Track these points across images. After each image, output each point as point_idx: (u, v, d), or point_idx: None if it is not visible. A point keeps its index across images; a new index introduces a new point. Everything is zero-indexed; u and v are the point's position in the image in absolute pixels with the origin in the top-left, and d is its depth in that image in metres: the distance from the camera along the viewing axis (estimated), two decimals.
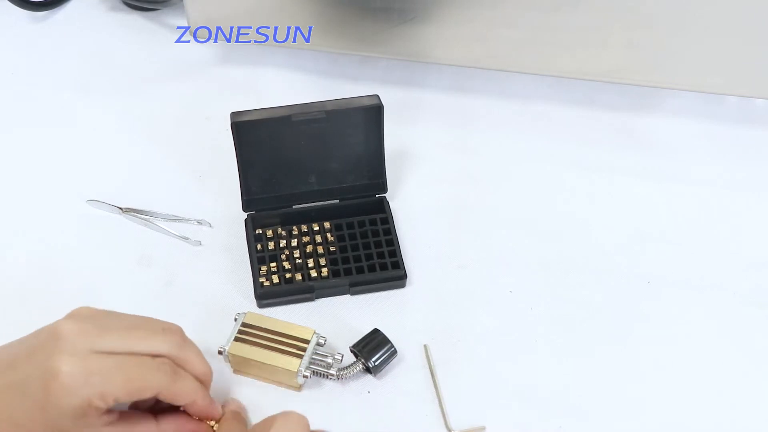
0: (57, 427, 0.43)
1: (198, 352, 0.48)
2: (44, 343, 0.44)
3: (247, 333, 0.52)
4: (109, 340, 0.44)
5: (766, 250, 0.62)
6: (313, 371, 0.52)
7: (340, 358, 0.52)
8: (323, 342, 0.53)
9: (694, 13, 0.60)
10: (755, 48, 0.62)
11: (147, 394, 0.45)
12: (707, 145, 0.69)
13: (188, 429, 0.49)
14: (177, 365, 0.46)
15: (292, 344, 0.51)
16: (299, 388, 0.52)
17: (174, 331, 0.47)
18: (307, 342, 0.52)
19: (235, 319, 0.53)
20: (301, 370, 0.51)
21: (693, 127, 0.71)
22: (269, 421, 0.46)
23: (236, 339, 0.52)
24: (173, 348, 0.46)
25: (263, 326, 0.52)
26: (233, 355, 0.51)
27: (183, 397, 0.46)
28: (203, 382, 0.48)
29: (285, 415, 0.46)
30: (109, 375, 0.43)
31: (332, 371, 0.51)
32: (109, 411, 0.44)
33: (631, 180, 0.66)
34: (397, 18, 0.65)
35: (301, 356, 0.51)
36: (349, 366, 0.52)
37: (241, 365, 0.52)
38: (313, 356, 0.51)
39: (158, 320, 0.47)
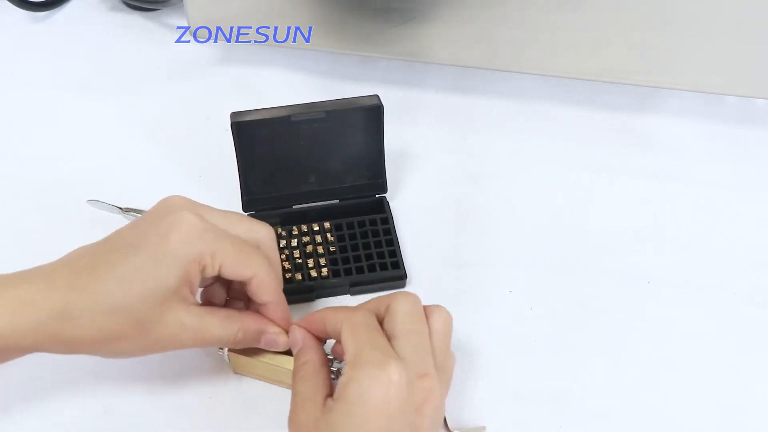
0: (161, 283, 0.45)
1: (279, 257, 0.51)
2: (154, 210, 0.47)
3: None
4: (216, 215, 0.48)
5: (766, 250, 0.62)
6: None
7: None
8: (324, 341, 0.53)
9: (694, 13, 0.60)
10: (755, 48, 0.62)
11: (247, 271, 0.47)
12: (707, 145, 0.69)
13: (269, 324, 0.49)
14: None
15: None
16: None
17: (267, 225, 0.51)
18: (324, 340, 0.51)
19: None
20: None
21: (693, 127, 0.71)
22: (384, 300, 0.47)
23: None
24: (268, 237, 0.50)
25: None
26: (233, 355, 0.51)
27: (271, 289, 0.48)
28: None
29: (400, 293, 0.47)
30: (222, 239, 0.46)
31: (332, 369, 0.51)
32: (196, 288, 0.46)
33: (631, 180, 0.66)
34: (397, 18, 0.65)
35: None
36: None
37: (241, 365, 0.52)
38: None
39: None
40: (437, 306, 0.47)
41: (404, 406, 0.42)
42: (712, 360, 0.55)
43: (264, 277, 0.48)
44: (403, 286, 0.58)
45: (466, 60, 0.67)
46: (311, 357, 0.47)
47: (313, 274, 0.58)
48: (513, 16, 0.63)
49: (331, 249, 0.59)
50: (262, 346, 0.49)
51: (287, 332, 0.50)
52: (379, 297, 0.48)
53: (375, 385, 0.42)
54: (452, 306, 0.57)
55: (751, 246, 0.62)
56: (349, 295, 0.58)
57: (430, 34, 0.66)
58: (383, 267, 0.58)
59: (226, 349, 0.51)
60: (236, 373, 0.53)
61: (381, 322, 0.47)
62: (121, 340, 0.45)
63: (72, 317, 0.44)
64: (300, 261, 0.58)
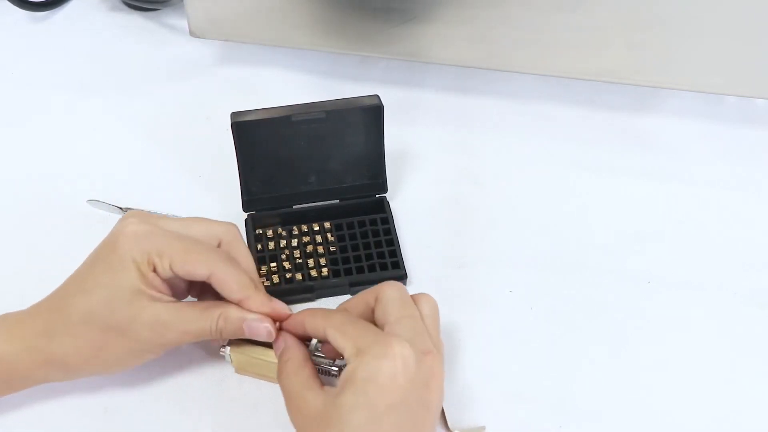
0: (121, 285, 0.46)
1: (249, 252, 0.51)
2: (117, 224, 0.49)
3: None
4: (171, 222, 0.49)
5: (766, 250, 0.62)
6: (316, 368, 0.51)
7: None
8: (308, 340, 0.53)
9: (694, 13, 0.60)
10: (755, 48, 0.62)
11: (200, 269, 0.47)
12: (707, 145, 0.69)
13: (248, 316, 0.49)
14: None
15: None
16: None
17: (229, 223, 0.51)
18: (309, 339, 0.52)
19: None
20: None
21: (693, 127, 0.71)
22: (372, 292, 0.48)
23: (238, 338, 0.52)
24: (229, 232, 0.50)
25: None
26: (235, 355, 0.51)
27: (232, 285, 0.48)
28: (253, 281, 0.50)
29: (385, 283, 0.48)
30: (169, 240, 0.47)
31: (334, 368, 0.51)
32: (163, 287, 0.47)
33: (631, 180, 0.66)
34: (397, 18, 0.65)
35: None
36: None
37: (243, 365, 0.52)
38: (316, 353, 0.51)
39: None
40: (423, 293, 0.48)
41: (414, 380, 0.43)
42: (712, 360, 0.55)
43: (222, 274, 0.48)
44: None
45: (466, 60, 0.67)
46: (293, 353, 0.48)
47: (313, 274, 0.58)
48: (513, 16, 0.63)
49: (331, 249, 0.59)
50: (246, 334, 0.49)
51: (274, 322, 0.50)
52: (364, 291, 0.49)
53: (382, 361, 0.42)
54: (452, 306, 0.57)
55: (751, 246, 0.62)
56: (349, 295, 0.58)
57: (430, 34, 0.66)
58: (383, 267, 0.58)
59: (228, 348, 0.51)
60: (238, 373, 0.53)
61: (371, 313, 0.47)
62: (106, 349, 0.47)
63: (54, 335, 0.47)
64: (300, 261, 0.58)
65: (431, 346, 0.45)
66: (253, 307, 0.49)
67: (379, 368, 0.42)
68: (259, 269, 0.57)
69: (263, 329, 0.49)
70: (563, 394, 0.53)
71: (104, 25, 0.79)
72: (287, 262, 0.58)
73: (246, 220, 0.60)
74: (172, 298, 0.48)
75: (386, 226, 0.60)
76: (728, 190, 0.66)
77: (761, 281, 0.60)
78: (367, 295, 0.48)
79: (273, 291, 0.56)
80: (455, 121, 0.71)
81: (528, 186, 0.66)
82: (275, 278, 0.57)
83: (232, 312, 0.48)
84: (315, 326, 0.47)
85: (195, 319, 0.48)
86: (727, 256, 0.61)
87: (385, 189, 0.62)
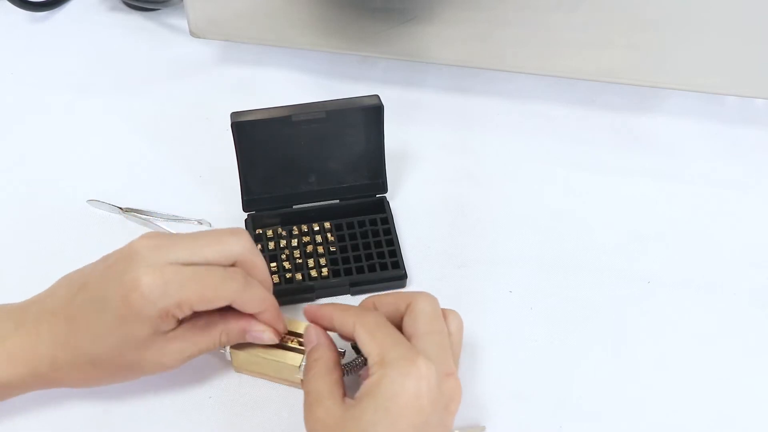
0: (133, 335, 0.45)
1: (263, 258, 0.50)
2: (119, 260, 0.46)
3: None
4: (183, 250, 0.46)
5: (766, 250, 0.62)
6: (345, 370, 0.51)
7: (343, 353, 0.52)
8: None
9: (694, 13, 0.60)
10: (755, 48, 0.62)
11: (221, 302, 0.47)
12: (707, 145, 0.69)
13: (255, 329, 0.49)
14: (247, 271, 0.48)
15: (293, 339, 0.51)
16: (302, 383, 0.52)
17: (242, 232, 0.49)
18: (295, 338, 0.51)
19: None
20: (304, 365, 0.50)
21: (693, 127, 0.71)
22: (405, 298, 0.47)
23: None
24: (245, 249, 0.48)
25: None
26: (235, 353, 0.51)
27: (254, 304, 0.48)
28: (268, 290, 0.50)
29: (421, 293, 0.48)
30: (186, 284, 0.45)
31: (344, 365, 0.51)
32: (174, 324, 0.47)
33: (631, 180, 0.66)
34: (397, 18, 0.65)
35: (303, 351, 0.51)
36: (350, 362, 0.52)
37: (243, 363, 0.52)
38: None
39: (223, 228, 0.49)
40: (452, 310, 0.48)
41: (435, 402, 0.42)
42: (712, 359, 0.55)
43: (242, 299, 0.47)
44: (403, 286, 0.58)
45: (466, 60, 0.67)
46: (325, 354, 0.47)
47: (313, 274, 0.58)
48: (513, 16, 0.63)
49: (331, 249, 0.59)
50: (250, 341, 0.50)
51: (275, 330, 0.50)
52: (398, 293, 0.49)
53: (407, 380, 0.42)
54: (452, 306, 0.57)
55: (751, 246, 0.62)
56: (349, 295, 0.58)
57: (430, 34, 0.66)
58: (383, 267, 0.58)
59: (228, 347, 0.51)
60: (238, 371, 0.53)
61: (399, 319, 0.47)
62: (109, 380, 0.49)
63: (60, 368, 0.47)
64: (300, 261, 0.58)
65: (453, 367, 0.45)
66: (266, 320, 0.49)
67: (404, 386, 0.42)
68: None
69: (266, 336, 0.49)
70: (563, 394, 0.53)
71: (104, 25, 0.79)
72: (287, 262, 0.58)
73: (246, 220, 0.60)
74: (173, 324, 0.47)
75: (386, 226, 0.60)
76: (728, 190, 0.66)
77: (761, 281, 0.60)
78: (399, 299, 0.47)
79: (273, 291, 0.56)
80: (455, 121, 0.71)
81: (528, 186, 0.66)
82: (275, 278, 0.57)
83: (233, 326, 0.49)
84: (344, 322, 0.47)
85: (198, 341, 0.48)
86: (727, 256, 0.61)
87: (385, 189, 0.62)
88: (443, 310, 0.48)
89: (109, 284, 0.45)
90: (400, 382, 0.42)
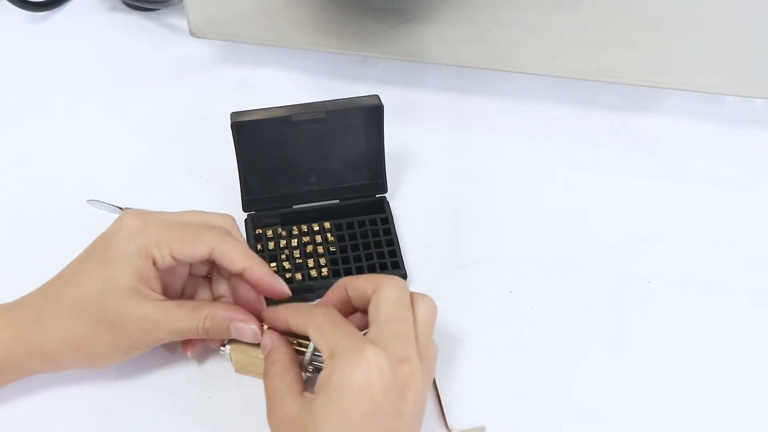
0: (115, 280, 0.47)
1: (245, 242, 0.52)
2: (112, 223, 0.50)
3: None
4: (166, 214, 0.50)
5: (766, 250, 0.62)
6: (315, 367, 0.51)
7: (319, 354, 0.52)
8: (290, 341, 0.52)
9: (694, 13, 0.60)
10: (755, 48, 0.62)
11: (201, 247, 0.48)
12: (707, 145, 0.69)
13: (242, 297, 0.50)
14: None
15: (293, 340, 0.51)
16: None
17: (226, 213, 0.52)
18: (308, 339, 0.51)
19: None
20: (304, 366, 0.50)
21: (693, 127, 0.71)
22: (373, 282, 0.47)
23: None
24: (225, 223, 0.51)
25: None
26: (235, 354, 0.51)
27: (236, 257, 0.48)
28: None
29: (388, 278, 0.47)
30: (166, 228, 0.48)
31: (310, 365, 0.51)
32: (156, 284, 0.48)
33: (631, 180, 0.66)
34: (397, 18, 0.65)
35: (303, 353, 0.51)
36: (315, 358, 0.52)
37: (243, 364, 0.52)
38: (315, 353, 0.51)
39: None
40: (423, 295, 0.48)
41: (387, 389, 0.42)
42: (712, 359, 0.55)
43: (223, 247, 0.48)
44: None
45: (466, 60, 0.67)
46: (280, 356, 0.48)
47: (313, 274, 0.58)
48: (513, 16, 0.63)
49: (331, 249, 0.59)
50: (233, 335, 0.49)
51: (260, 327, 0.50)
52: (368, 276, 0.48)
53: (356, 370, 0.42)
54: (452, 306, 0.57)
55: (750, 246, 0.62)
56: None
57: (430, 34, 0.66)
58: (383, 267, 0.58)
59: (228, 347, 0.51)
60: (238, 372, 0.53)
61: (366, 303, 0.47)
62: (94, 341, 0.47)
63: (43, 324, 0.47)
64: (300, 261, 0.58)
65: (412, 354, 0.44)
66: (255, 276, 0.49)
67: (353, 376, 0.42)
68: None
69: (249, 331, 0.49)
70: (563, 394, 0.53)
71: (104, 25, 0.79)
72: (287, 262, 0.58)
73: (246, 220, 0.60)
74: (162, 297, 0.48)
75: (386, 226, 0.60)
76: (728, 190, 0.66)
77: (761, 281, 0.60)
78: (368, 283, 0.48)
79: None
80: (455, 121, 0.71)
81: (528, 186, 0.66)
82: None
83: (219, 312, 0.49)
84: (296, 322, 0.47)
85: (183, 318, 0.48)
86: (727, 256, 0.61)
87: (385, 189, 0.62)
88: (413, 295, 0.47)
89: (94, 242, 0.49)
90: (349, 373, 0.42)
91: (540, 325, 0.57)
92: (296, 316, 0.47)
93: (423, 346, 0.46)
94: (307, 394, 0.45)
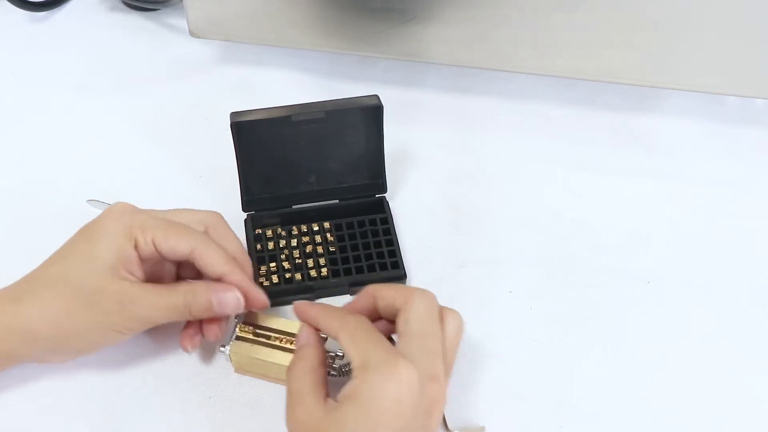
0: (98, 254, 0.47)
1: (236, 236, 0.53)
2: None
3: (247, 331, 0.52)
4: (156, 210, 0.51)
5: (766, 250, 0.62)
6: (340, 371, 0.51)
7: (341, 355, 0.52)
8: (324, 339, 0.53)
9: (694, 13, 0.60)
10: (755, 48, 0.62)
11: (182, 244, 0.48)
12: (707, 145, 0.69)
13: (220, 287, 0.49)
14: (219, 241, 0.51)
15: (292, 341, 0.51)
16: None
17: (213, 211, 0.53)
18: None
19: (235, 318, 0.53)
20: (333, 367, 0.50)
21: (693, 127, 0.71)
22: (403, 294, 0.46)
23: (237, 338, 0.52)
24: (213, 219, 0.52)
25: (263, 324, 0.52)
26: (234, 354, 0.51)
27: (216, 261, 0.49)
28: (239, 260, 0.51)
29: (419, 291, 0.46)
30: (153, 217, 0.49)
31: (334, 367, 0.51)
32: (138, 270, 0.48)
33: (631, 180, 0.66)
34: (397, 18, 0.65)
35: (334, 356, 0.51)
36: (349, 363, 0.52)
37: (242, 364, 0.52)
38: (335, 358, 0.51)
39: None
40: (452, 310, 0.47)
41: (416, 407, 0.42)
42: (712, 359, 0.55)
43: (203, 249, 0.49)
44: None
45: (466, 60, 0.67)
46: (310, 353, 0.47)
47: (313, 274, 0.58)
48: (513, 16, 0.63)
49: (331, 249, 0.59)
50: (216, 309, 0.49)
51: (247, 296, 0.50)
52: (398, 287, 0.48)
53: (387, 384, 0.41)
54: (452, 306, 0.57)
55: (750, 246, 0.62)
56: (348, 295, 0.58)
57: (430, 34, 0.66)
58: (383, 267, 0.58)
59: (228, 347, 0.51)
60: (238, 372, 0.53)
61: (395, 314, 0.46)
62: (69, 317, 0.47)
63: (22, 299, 0.47)
64: (300, 261, 0.58)
65: (440, 371, 0.44)
66: (235, 279, 0.49)
67: (384, 390, 0.41)
68: (258, 269, 0.57)
69: (231, 298, 0.49)
70: (563, 394, 0.53)
71: (104, 25, 0.79)
72: (287, 262, 0.58)
73: (246, 220, 0.60)
74: (142, 280, 0.49)
75: (386, 226, 0.60)
76: (728, 190, 0.66)
77: (761, 281, 0.60)
78: (398, 294, 0.47)
79: (273, 291, 0.56)
80: (455, 121, 0.71)
81: (528, 186, 0.66)
82: (275, 278, 0.57)
83: (200, 285, 0.49)
84: (329, 326, 0.46)
85: (163, 293, 0.48)
86: (727, 256, 0.61)
87: (384, 189, 0.62)
88: (443, 310, 0.47)
89: (84, 226, 0.50)
90: (380, 387, 0.41)
91: (540, 325, 0.57)
92: (329, 319, 0.47)
93: (449, 362, 0.46)
94: (331, 401, 0.44)
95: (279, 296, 0.57)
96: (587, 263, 0.60)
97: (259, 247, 0.59)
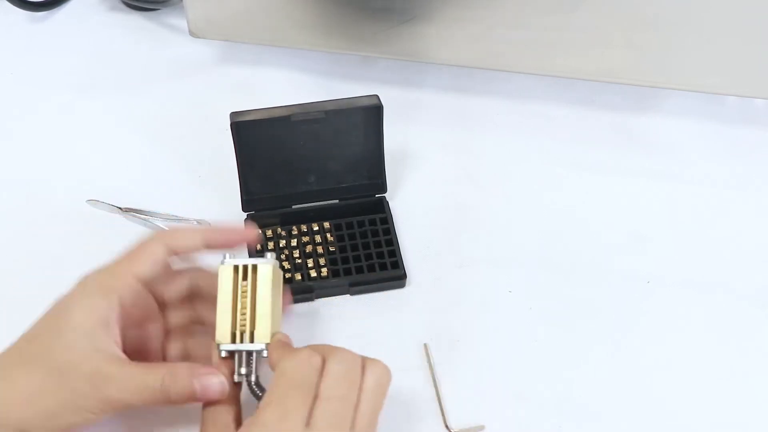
0: (68, 335, 0.44)
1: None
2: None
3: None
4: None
5: (766, 250, 0.62)
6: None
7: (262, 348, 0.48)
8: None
9: (694, 13, 0.60)
10: (755, 48, 0.62)
11: (156, 252, 0.47)
12: (707, 145, 0.69)
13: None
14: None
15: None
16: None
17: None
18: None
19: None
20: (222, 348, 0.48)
21: (693, 127, 0.70)
22: (324, 351, 0.44)
23: None
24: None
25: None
26: None
27: (188, 236, 0.48)
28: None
29: (339, 350, 0.45)
30: (115, 264, 0.47)
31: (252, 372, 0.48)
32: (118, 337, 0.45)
33: (631, 180, 0.66)
34: (397, 18, 0.65)
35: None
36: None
37: None
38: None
39: None
40: (375, 361, 0.45)
41: None
42: (711, 359, 0.55)
43: (171, 237, 0.48)
44: (402, 285, 0.58)
45: (466, 60, 0.67)
46: (221, 417, 0.45)
47: (313, 274, 0.58)
48: (513, 16, 0.63)
49: (331, 249, 0.59)
50: (198, 394, 0.45)
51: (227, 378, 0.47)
52: (315, 347, 0.45)
53: None
54: (452, 306, 0.57)
55: (750, 246, 0.62)
56: (348, 295, 0.58)
57: (429, 34, 0.66)
58: (383, 267, 0.58)
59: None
60: None
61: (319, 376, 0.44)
62: (40, 396, 0.43)
63: None
64: (299, 261, 0.58)
65: None
66: (220, 237, 0.49)
67: None
68: None
69: (216, 383, 0.46)
70: (563, 394, 0.53)
71: (104, 25, 0.79)
72: (287, 263, 0.58)
73: (245, 220, 0.60)
74: (120, 353, 0.45)
75: (386, 226, 0.60)
76: (728, 190, 0.66)
77: (761, 281, 0.60)
78: (314, 354, 0.44)
79: None
80: (455, 121, 0.71)
81: (528, 186, 0.66)
82: None
83: (181, 368, 0.45)
84: (271, 354, 0.46)
85: (139, 373, 0.44)
86: (727, 256, 0.61)
87: (384, 189, 0.62)
88: (366, 362, 0.44)
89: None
90: None
91: (540, 325, 0.57)
92: (280, 352, 0.45)
93: (363, 423, 0.43)
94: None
95: None
96: (587, 263, 0.60)
97: (258, 247, 0.59)
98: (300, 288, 0.57)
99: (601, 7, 0.61)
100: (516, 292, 0.59)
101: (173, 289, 0.50)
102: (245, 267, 0.48)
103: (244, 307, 0.48)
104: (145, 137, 0.68)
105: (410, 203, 0.64)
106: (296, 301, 0.57)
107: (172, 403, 0.45)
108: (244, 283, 0.48)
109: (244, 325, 0.47)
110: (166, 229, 0.51)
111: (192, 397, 0.45)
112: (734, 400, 0.53)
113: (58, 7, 0.80)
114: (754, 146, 0.69)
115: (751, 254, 0.61)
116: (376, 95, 0.58)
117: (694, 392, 0.53)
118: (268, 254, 0.49)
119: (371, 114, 0.58)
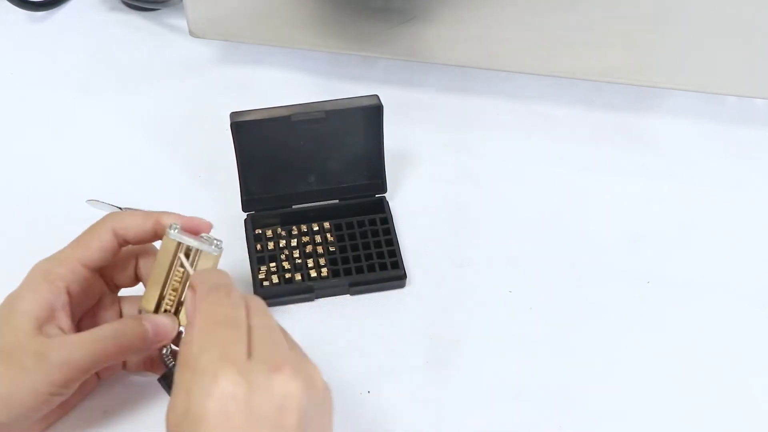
0: (17, 333, 0.43)
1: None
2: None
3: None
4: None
5: (766, 249, 0.62)
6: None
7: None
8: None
9: (694, 13, 0.60)
10: (755, 48, 0.62)
11: (103, 236, 0.47)
12: (707, 145, 0.69)
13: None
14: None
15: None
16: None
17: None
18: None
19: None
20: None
21: (693, 127, 0.70)
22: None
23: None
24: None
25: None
26: None
27: (138, 219, 0.47)
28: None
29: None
30: (63, 251, 0.47)
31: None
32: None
33: (631, 180, 0.66)
34: (397, 18, 0.65)
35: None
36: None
37: None
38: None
39: None
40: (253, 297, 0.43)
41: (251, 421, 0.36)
42: (712, 360, 0.55)
43: (120, 221, 0.47)
44: (402, 286, 0.58)
45: (466, 60, 0.67)
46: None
47: (313, 274, 0.58)
48: (512, 16, 0.63)
49: (331, 249, 0.59)
50: (152, 337, 0.45)
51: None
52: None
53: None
54: (452, 306, 0.57)
55: (750, 246, 0.62)
56: (348, 295, 0.58)
57: (430, 34, 0.66)
58: (383, 267, 0.58)
59: None
60: None
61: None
62: None
63: None
64: (299, 261, 0.58)
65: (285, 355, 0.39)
66: (170, 218, 0.47)
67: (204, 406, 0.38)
68: (258, 269, 0.57)
69: (168, 323, 0.46)
70: (563, 394, 0.53)
71: (104, 25, 0.79)
72: (287, 263, 0.58)
73: (245, 220, 0.60)
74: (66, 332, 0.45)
75: (386, 226, 0.60)
76: (728, 190, 0.66)
77: (761, 281, 0.60)
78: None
79: (273, 291, 0.57)
80: (455, 121, 0.71)
81: (528, 186, 0.66)
82: (275, 278, 0.57)
83: (130, 318, 0.46)
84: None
85: (87, 332, 0.44)
86: (727, 256, 0.61)
87: (384, 189, 0.62)
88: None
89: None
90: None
91: (540, 325, 0.57)
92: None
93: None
94: None
95: (279, 296, 0.57)
96: (587, 263, 0.60)
97: (259, 247, 0.59)
98: (300, 288, 0.57)
99: (601, 7, 0.61)
100: (516, 292, 0.59)
101: (125, 274, 0.50)
102: (188, 248, 0.47)
103: (175, 287, 0.47)
104: (145, 137, 0.68)
105: (410, 203, 0.64)
106: (296, 301, 0.57)
107: (123, 355, 0.46)
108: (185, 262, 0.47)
109: (170, 305, 0.47)
110: (120, 210, 0.49)
111: (146, 341, 0.45)
112: (734, 400, 0.53)
113: (58, 7, 0.80)
114: (754, 146, 0.69)
115: (751, 254, 0.61)
116: (376, 95, 0.58)
117: (694, 392, 0.54)
118: (218, 242, 0.48)
119: (371, 114, 0.58)
